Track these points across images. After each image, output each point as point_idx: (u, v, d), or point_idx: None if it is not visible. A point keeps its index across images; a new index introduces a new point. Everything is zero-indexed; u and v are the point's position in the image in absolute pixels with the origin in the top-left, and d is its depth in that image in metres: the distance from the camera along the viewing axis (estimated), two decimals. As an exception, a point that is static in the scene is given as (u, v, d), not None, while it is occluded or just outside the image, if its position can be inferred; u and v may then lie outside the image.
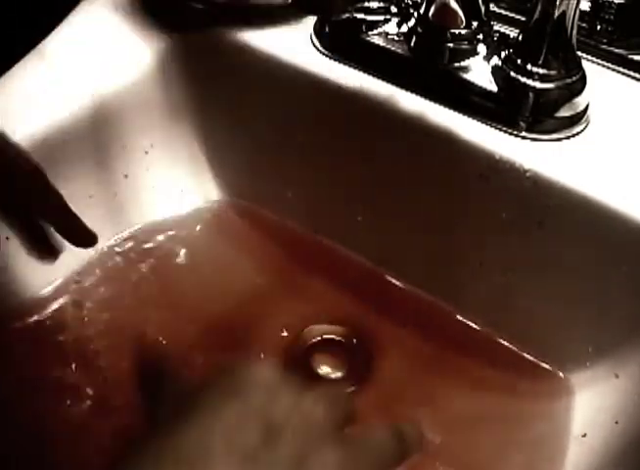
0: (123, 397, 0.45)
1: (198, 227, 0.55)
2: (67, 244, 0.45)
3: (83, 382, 0.46)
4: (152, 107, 0.53)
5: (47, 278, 0.49)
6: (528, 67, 0.45)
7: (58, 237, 0.45)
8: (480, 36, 0.47)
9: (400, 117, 0.48)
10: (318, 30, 0.52)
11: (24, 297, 0.49)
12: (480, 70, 0.47)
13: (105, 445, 0.43)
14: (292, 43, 0.51)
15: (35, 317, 0.49)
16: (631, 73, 0.49)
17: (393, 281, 0.52)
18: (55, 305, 0.49)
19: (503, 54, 0.46)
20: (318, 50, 0.51)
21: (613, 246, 0.43)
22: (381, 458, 0.32)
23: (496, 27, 0.50)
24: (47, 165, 0.48)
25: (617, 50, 0.49)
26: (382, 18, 0.50)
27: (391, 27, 0.50)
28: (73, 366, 0.47)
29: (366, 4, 0.50)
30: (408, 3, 0.49)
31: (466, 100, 0.47)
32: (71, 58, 0.52)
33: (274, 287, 0.52)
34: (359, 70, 0.50)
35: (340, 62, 0.50)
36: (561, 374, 0.46)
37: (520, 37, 0.46)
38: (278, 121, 0.53)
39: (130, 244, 0.53)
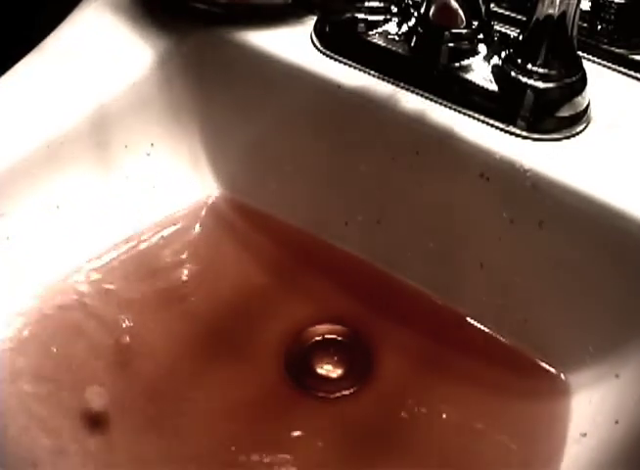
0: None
1: (199, 226, 0.55)
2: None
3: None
4: (152, 106, 0.53)
5: (44, 279, 0.50)
6: (529, 66, 0.45)
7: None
8: (481, 36, 0.47)
9: (400, 117, 0.48)
10: (318, 30, 0.52)
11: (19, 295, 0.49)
12: (480, 70, 0.47)
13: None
14: (292, 43, 0.51)
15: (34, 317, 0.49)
16: (632, 73, 0.49)
17: (394, 280, 0.52)
18: (51, 305, 0.49)
19: (503, 54, 0.46)
20: (318, 50, 0.51)
21: (613, 246, 0.43)
22: None
23: (497, 27, 0.50)
24: (48, 166, 0.48)
25: (617, 50, 0.49)
26: (382, 17, 0.50)
27: (392, 27, 0.50)
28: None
29: (366, 4, 0.50)
30: (408, 3, 0.49)
31: (466, 100, 0.47)
32: (72, 58, 0.52)
33: (274, 286, 0.52)
34: (359, 69, 0.50)
35: (340, 61, 0.50)
36: (561, 374, 0.46)
37: (520, 37, 0.46)
38: (278, 121, 0.53)
39: (131, 243, 0.53)
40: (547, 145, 0.45)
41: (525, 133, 0.45)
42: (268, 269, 0.53)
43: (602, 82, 0.48)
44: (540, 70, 0.45)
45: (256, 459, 0.44)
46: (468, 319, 0.49)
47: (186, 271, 0.53)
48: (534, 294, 0.47)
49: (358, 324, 0.50)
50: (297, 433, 0.45)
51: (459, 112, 0.47)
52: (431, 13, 0.47)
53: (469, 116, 0.47)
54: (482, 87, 0.46)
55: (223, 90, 0.54)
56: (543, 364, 0.47)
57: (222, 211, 0.56)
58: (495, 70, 0.47)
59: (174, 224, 0.54)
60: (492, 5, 0.50)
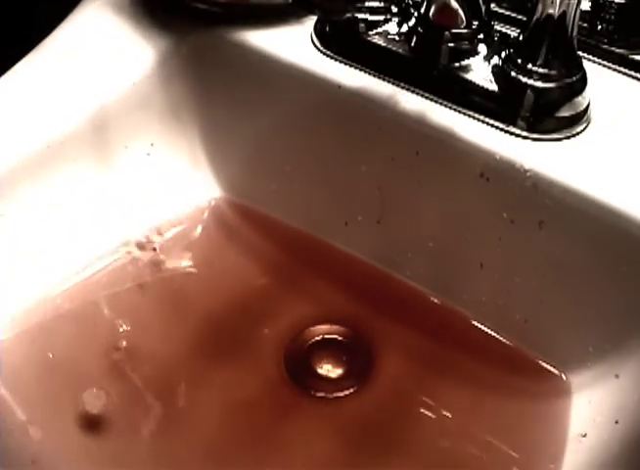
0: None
1: (198, 227, 0.55)
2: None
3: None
4: (152, 107, 0.53)
5: (44, 280, 0.50)
6: (529, 66, 0.45)
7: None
8: (481, 36, 0.47)
9: (400, 117, 0.48)
10: (318, 30, 0.52)
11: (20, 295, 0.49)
12: (480, 70, 0.47)
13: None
14: (292, 43, 0.51)
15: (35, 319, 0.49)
16: (632, 73, 0.49)
17: (394, 280, 0.52)
18: (50, 307, 0.49)
19: (503, 54, 0.46)
20: (318, 50, 0.51)
21: (613, 245, 0.43)
22: None
23: (497, 27, 0.50)
24: (48, 166, 0.48)
25: (617, 50, 0.49)
26: (382, 17, 0.50)
27: (392, 27, 0.50)
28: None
29: (366, 4, 0.50)
30: (409, 3, 0.49)
31: (466, 100, 0.47)
32: (72, 58, 0.52)
33: (275, 287, 0.53)
34: (359, 69, 0.50)
35: (340, 62, 0.50)
36: (561, 374, 0.46)
37: (520, 37, 0.46)
38: (278, 121, 0.53)
39: (130, 244, 0.53)
40: (547, 145, 0.45)
41: (525, 133, 0.45)
42: (269, 270, 0.53)
43: (602, 82, 0.48)
44: (540, 70, 0.45)
45: (256, 459, 0.44)
46: (468, 319, 0.50)
47: (187, 272, 0.53)
48: (534, 294, 0.47)
49: (358, 324, 0.50)
50: (296, 433, 0.45)
51: (459, 112, 0.47)
52: (431, 13, 0.47)
53: (469, 116, 0.47)
54: (482, 87, 0.46)
55: (223, 90, 0.54)
56: (543, 364, 0.47)
57: (222, 212, 0.56)
58: (495, 70, 0.47)
59: (174, 225, 0.54)
60: (492, 5, 0.50)
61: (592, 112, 0.46)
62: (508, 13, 0.51)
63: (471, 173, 0.46)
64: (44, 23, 0.54)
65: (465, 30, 0.47)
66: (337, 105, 0.50)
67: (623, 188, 0.43)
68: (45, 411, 0.45)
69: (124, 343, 0.48)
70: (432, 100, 0.48)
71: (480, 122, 0.46)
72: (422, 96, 0.48)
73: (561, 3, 0.43)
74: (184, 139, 0.55)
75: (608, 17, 0.49)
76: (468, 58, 0.47)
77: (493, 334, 0.49)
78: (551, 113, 0.45)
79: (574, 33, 0.44)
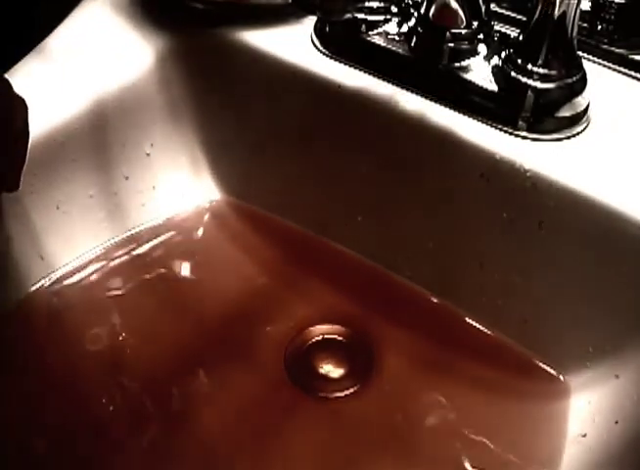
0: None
1: (198, 227, 0.55)
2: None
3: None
4: (152, 107, 0.53)
5: (44, 281, 0.50)
6: (529, 66, 0.45)
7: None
8: (481, 36, 0.47)
9: (400, 117, 0.48)
10: (318, 30, 0.52)
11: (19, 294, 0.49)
12: (480, 70, 0.47)
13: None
14: (292, 43, 0.51)
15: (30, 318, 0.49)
16: (632, 73, 0.49)
17: (394, 280, 0.52)
18: (53, 306, 0.49)
19: (503, 54, 0.46)
20: (318, 50, 0.51)
21: (613, 246, 0.43)
22: None
23: (497, 27, 0.50)
24: (47, 165, 0.49)
25: (617, 50, 0.49)
26: (382, 17, 0.50)
27: (392, 27, 0.50)
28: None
29: (366, 4, 0.50)
30: (408, 3, 0.49)
31: (466, 100, 0.47)
32: (72, 58, 0.52)
33: (275, 287, 0.53)
34: (359, 69, 0.50)
35: (340, 62, 0.50)
36: (561, 374, 0.46)
37: (520, 37, 0.46)
38: (278, 121, 0.53)
39: (130, 245, 0.53)
40: (547, 145, 0.45)
41: (525, 133, 0.45)
42: (268, 270, 0.53)
43: (602, 82, 0.48)
44: (540, 71, 0.45)
45: (257, 459, 0.44)
46: (467, 320, 0.50)
47: (187, 272, 0.53)
48: (534, 294, 0.47)
49: (358, 324, 0.50)
50: (297, 433, 0.45)
51: (459, 112, 0.47)
52: (431, 13, 0.47)
53: (469, 116, 0.47)
54: (482, 87, 0.46)
55: (223, 90, 0.54)
56: (543, 365, 0.47)
57: (222, 211, 0.56)
58: (495, 70, 0.47)
59: (174, 225, 0.54)
60: (492, 5, 0.50)
61: (592, 112, 0.46)
62: (508, 13, 0.51)
63: (471, 173, 0.46)
64: (44, 23, 0.54)
65: (465, 30, 0.47)
66: (337, 105, 0.50)
67: (623, 188, 0.43)
68: (45, 411, 0.45)
69: (124, 343, 0.48)
70: (432, 100, 0.48)
71: (481, 122, 0.46)
72: (422, 96, 0.48)
73: (561, 3, 0.43)
74: (184, 139, 0.55)
75: (608, 17, 0.49)
76: (468, 58, 0.47)
77: (492, 334, 0.49)
78: (551, 113, 0.45)
79: (574, 33, 0.44)
